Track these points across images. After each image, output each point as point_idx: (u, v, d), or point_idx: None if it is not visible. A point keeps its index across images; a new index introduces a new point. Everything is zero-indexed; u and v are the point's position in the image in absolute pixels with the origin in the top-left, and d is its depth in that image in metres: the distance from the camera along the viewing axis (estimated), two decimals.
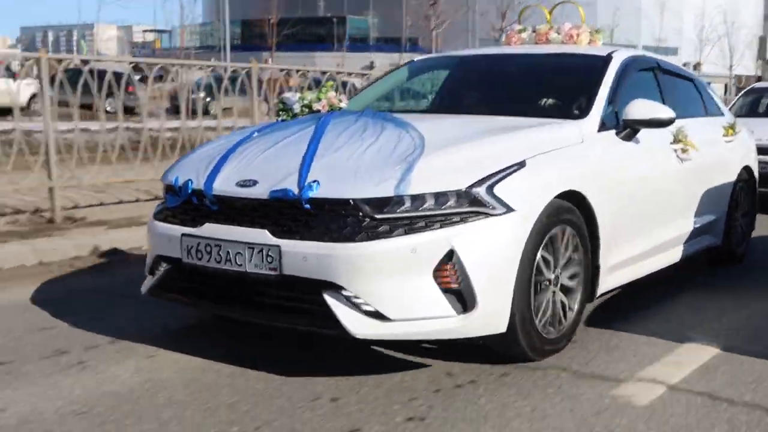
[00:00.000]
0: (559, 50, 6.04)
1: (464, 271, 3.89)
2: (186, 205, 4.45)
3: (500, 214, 3.98)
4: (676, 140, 5.63)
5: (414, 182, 3.91)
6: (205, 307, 4.54)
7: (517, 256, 4.02)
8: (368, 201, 3.89)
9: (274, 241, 4.00)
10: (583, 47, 6.08)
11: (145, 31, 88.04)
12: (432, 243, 3.86)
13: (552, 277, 4.35)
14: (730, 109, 11.59)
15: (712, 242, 6.50)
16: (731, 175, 6.72)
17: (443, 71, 6.31)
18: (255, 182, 4.19)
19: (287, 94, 5.54)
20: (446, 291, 3.91)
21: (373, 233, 3.85)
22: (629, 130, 5.09)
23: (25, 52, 10.20)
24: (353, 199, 3.90)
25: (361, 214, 3.89)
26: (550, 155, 4.42)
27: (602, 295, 4.96)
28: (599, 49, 5.86)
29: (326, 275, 3.88)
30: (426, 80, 6.43)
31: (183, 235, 4.34)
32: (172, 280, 4.51)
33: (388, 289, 3.86)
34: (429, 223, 3.89)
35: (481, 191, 3.97)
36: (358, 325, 3.86)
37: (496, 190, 4.00)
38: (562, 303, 4.46)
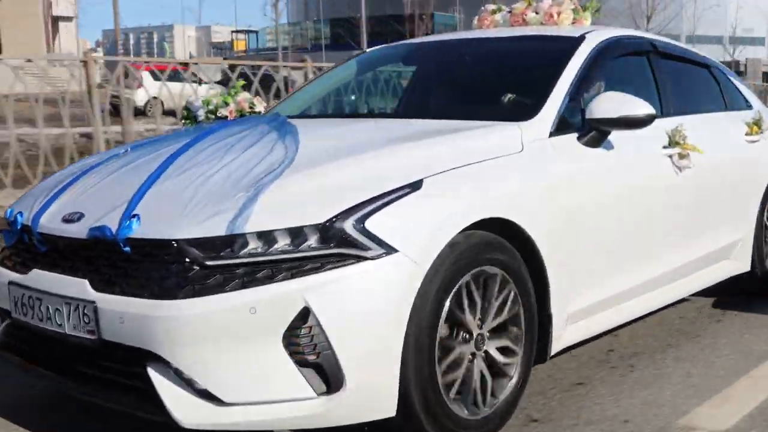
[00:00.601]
0: (526, 33, 4.93)
1: (324, 337, 2.86)
2: (19, 244, 3.52)
3: (375, 257, 2.93)
4: (671, 143, 4.46)
5: (255, 216, 2.91)
6: (35, 374, 3.57)
7: (403, 314, 2.97)
8: (196, 242, 2.91)
9: (92, 295, 3.05)
10: (558, 29, 4.95)
11: (233, 31, 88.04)
12: (278, 299, 2.85)
13: (474, 335, 3.29)
14: None
15: (736, 269, 5.27)
16: (759, 183, 5.44)
17: (395, 64, 5.23)
18: (81, 216, 3.24)
19: (191, 98, 4.56)
20: (302, 364, 2.90)
21: (200, 287, 2.87)
22: (595, 132, 3.96)
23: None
24: (176, 240, 2.92)
25: (187, 260, 2.91)
26: (464, 171, 3.34)
27: (568, 349, 3.88)
28: (573, 30, 4.71)
29: (145, 343, 2.91)
30: (382, 74, 5.35)
31: (10, 283, 3.43)
32: (11, 337, 3.58)
33: (221, 362, 2.88)
34: (275, 271, 2.88)
35: (346, 226, 2.93)
36: (187, 411, 2.90)
37: (370, 223, 2.95)
38: (496, 369, 3.40)
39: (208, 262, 2.88)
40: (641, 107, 3.91)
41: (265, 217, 2.91)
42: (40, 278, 3.28)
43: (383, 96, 4.80)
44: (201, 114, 4.51)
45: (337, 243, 2.90)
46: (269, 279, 2.85)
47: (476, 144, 3.55)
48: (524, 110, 3.92)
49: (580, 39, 4.41)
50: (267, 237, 2.89)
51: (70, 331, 3.13)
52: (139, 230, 3.00)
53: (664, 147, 4.44)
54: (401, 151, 3.38)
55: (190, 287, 2.86)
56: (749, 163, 5.34)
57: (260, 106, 4.67)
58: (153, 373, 2.91)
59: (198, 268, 2.88)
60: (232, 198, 2.99)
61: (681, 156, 4.46)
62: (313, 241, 2.90)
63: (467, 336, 3.26)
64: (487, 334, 3.36)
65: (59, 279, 3.19)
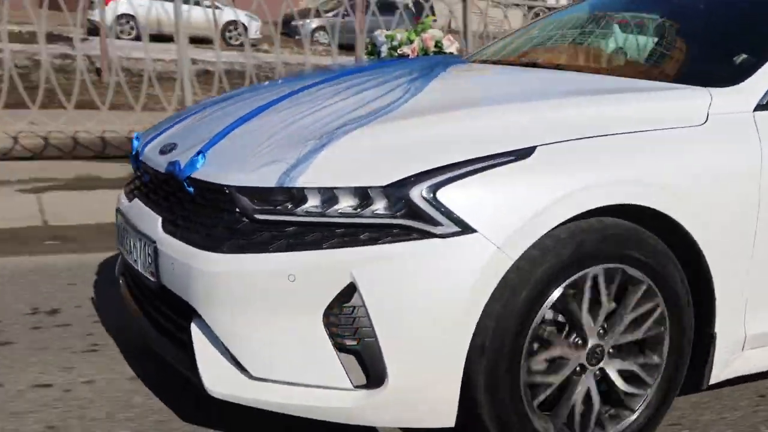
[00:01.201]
0: None
1: (368, 322, 2.42)
2: (136, 172, 3.38)
3: (445, 235, 2.41)
4: None
5: (313, 169, 2.49)
6: (130, 309, 3.40)
7: (475, 308, 2.44)
8: (246, 191, 2.56)
9: (158, 234, 2.82)
10: None
11: None
12: (322, 269, 2.44)
13: (589, 343, 2.69)
14: None
15: None
16: None
17: (634, 10, 4.41)
18: (173, 148, 3.01)
19: (377, 32, 4.17)
20: (341, 349, 2.47)
21: (245, 242, 2.52)
22: None
23: None
24: (228, 186, 2.59)
25: (237, 210, 2.56)
26: (604, 142, 2.65)
27: (738, 381, 3.13)
28: None
29: (188, 295, 2.64)
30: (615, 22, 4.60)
31: (117, 210, 3.31)
32: (123, 265, 3.48)
33: (255, 331, 2.52)
34: (325, 236, 2.45)
35: (413, 193, 2.42)
36: (215, 377, 2.61)
37: (444, 193, 2.42)
38: (614, 396, 2.79)
39: (258, 216, 2.52)
40: None
41: (325, 171, 2.48)
42: (133, 209, 3.11)
43: (600, 47, 4.09)
44: (384, 50, 4.12)
45: (403, 213, 2.42)
46: (316, 245, 2.43)
47: (637, 110, 2.84)
48: (728, 74, 3.10)
49: None
50: (322, 195, 2.47)
51: (140, 269, 2.94)
52: (202, 171, 2.70)
53: None
54: (529, 110, 2.78)
55: (235, 241, 2.52)
56: None
57: (452, 46, 4.18)
58: (195, 330, 2.64)
59: (247, 220, 2.53)
60: (299, 146, 2.59)
61: None
62: (376, 206, 2.44)
63: (579, 341, 2.65)
64: (610, 350, 2.72)
65: (144, 213, 3.01)
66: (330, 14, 10.81)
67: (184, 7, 7.25)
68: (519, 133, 2.58)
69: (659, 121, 2.79)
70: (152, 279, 2.82)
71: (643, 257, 2.66)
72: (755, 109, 2.96)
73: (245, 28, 15.67)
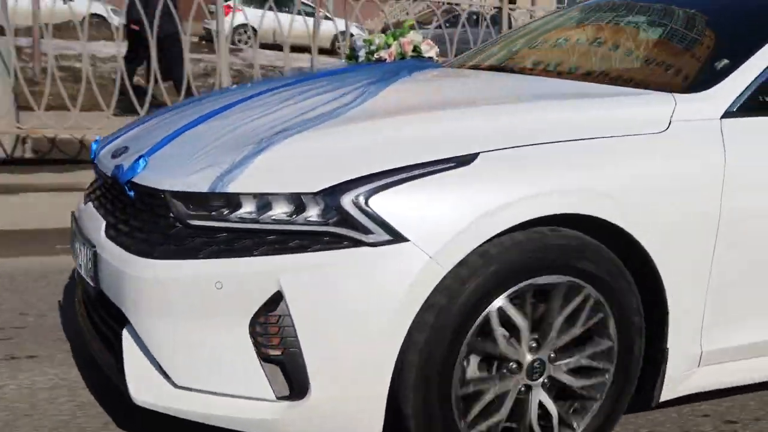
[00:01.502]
0: None
1: (293, 332, 2.34)
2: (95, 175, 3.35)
3: (376, 244, 2.34)
4: None
5: (247, 174, 2.43)
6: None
7: (402, 321, 2.37)
8: (179, 196, 2.50)
9: (98, 239, 2.77)
10: None
11: None
12: (248, 277, 2.38)
13: (525, 360, 2.60)
14: None
15: None
16: None
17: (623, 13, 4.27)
18: (124, 152, 2.97)
19: (355, 36, 4.11)
20: (266, 359, 2.40)
21: (176, 248, 2.47)
22: None
23: None
24: (163, 191, 2.53)
25: (171, 215, 2.50)
26: (554, 149, 2.56)
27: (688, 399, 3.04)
28: None
29: (120, 301, 2.59)
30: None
31: (71, 213, 3.27)
32: None
33: (181, 338, 2.46)
34: (255, 243, 2.38)
35: (344, 200, 2.36)
36: (142, 386, 2.56)
37: (377, 201, 2.36)
38: (569, 395, 2.71)
39: (191, 221, 2.47)
40: None
41: (259, 177, 2.42)
42: (85, 213, 3.08)
43: (574, 51, 3.99)
44: (362, 54, 4.04)
45: (335, 221, 2.36)
46: (245, 251, 2.38)
47: (593, 116, 2.74)
48: (696, 79, 3.02)
49: None
50: (256, 201, 2.41)
51: (83, 273, 2.89)
52: (142, 175, 2.66)
53: None
54: (477, 115, 2.71)
55: (167, 247, 2.47)
56: None
57: (431, 51, 4.09)
58: (125, 337, 2.58)
59: (180, 226, 2.48)
60: (237, 151, 2.52)
61: None
62: (309, 213, 2.38)
63: (518, 356, 2.58)
64: (552, 354, 2.64)
65: (93, 217, 2.97)
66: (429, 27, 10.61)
67: (288, 17, 6.96)
68: (463, 139, 2.50)
69: (616, 127, 2.70)
70: (92, 284, 2.78)
71: (591, 269, 2.57)
72: (723, 116, 2.86)
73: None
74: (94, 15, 9.57)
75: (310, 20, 7.77)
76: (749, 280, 2.89)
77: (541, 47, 4.07)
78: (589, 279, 2.58)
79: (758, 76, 2.95)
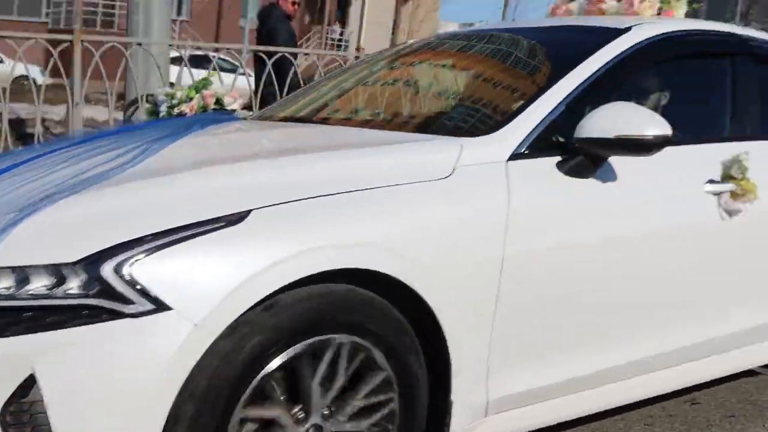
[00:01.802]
0: (557, 24, 3.93)
1: (46, 419, 2.15)
2: None
3: (137, 315, 2.17)
4: (725, 177, 3.34)
5: (5, 246, 2.22)
6: None
7: (169, 393, 2.20)
8: None
9: None
10: (604, 19, 3.88)
11: None
12: (1, 361, 2.15)
13: (304, 426, 2.46)
14: None
15: None
16: None
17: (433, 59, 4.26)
18: None
19: (158, 90, 3.94)
20: None
21: None
22: (582, 158, 2.93)
23: None
24: None
25: None
26: (331, 201, 2.47)
27: None
28: (620, 22, 3.57)
29: None
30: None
31: None
32: None
33: None
34: (11, 322, 2.17)
35: (105, 270, 2.19)
36: None
37: (139, 269, 2.20)
38: None
39: None
40: (650, 126, 2.86)
41: (18, 247, 2.22)
42: None
43: (368, 100, 3.96)
44: (164, 109, 3.88)
45: (95, 292, 2.18)
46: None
47: (373, 165, 2.67)
48: (485, 123, 3.01)
49: (620, 32, 3.36)
50: (11, 275, 2.20)
51: None
52: None
53: (711, 182, 3.32)
54: (251, 170, 2.58)
55: None
56: None
57: (235, 104, 3.96)
58: None
59: None
60: None
61: (734, 195, 3.31)
62: (69, 286, 2.20)
63: (301, 415, 2.45)
64: (331, 416, 2.51)
65: None
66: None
67: None
68: (234, 197, 2.39)
69: (397, 176, 2.63)
70: None
71: (371, 326, 2.48)
72: (510, 159, 2.83)
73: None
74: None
75: None
76: (534, 325, 2.86)
77: (346, 95, 4.01)
78: (369, 336, 2.48)
79: (547, 116, 2.96)
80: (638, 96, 3.32)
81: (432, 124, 3.28)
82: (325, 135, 3.27)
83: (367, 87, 3.96)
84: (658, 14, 3.98)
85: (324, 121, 3.65)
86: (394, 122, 3.42)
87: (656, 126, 2.86)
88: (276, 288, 2.29)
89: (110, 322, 2.16)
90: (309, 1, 37.35)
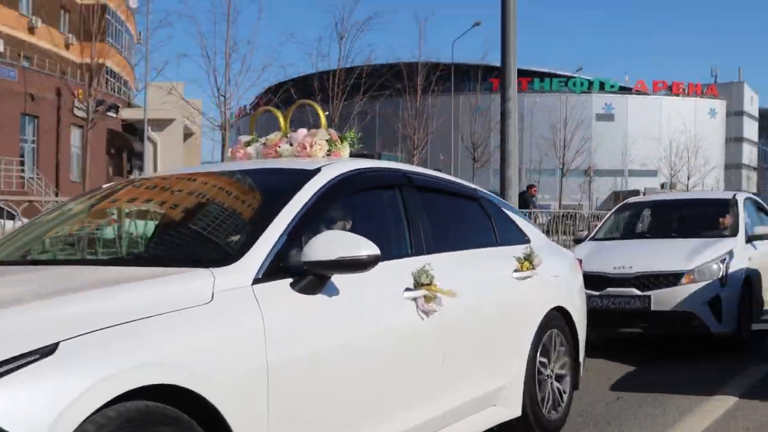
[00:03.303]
0: (257, 166, 4.44)
1: None
2: None
3: None
4: (416, 284, 3.94)
5: None
6: None
7: None
8: None
9: None
10: (296, 161, 4.46)
11: None
12: None
13: None
14: (597, 231, 10.15)
15: (504, 415, 4.76)
16: (529, 322, 4.98)
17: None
18: None
19: None
20: None
21: None
22: (312, 278, 3.46)
23: None
24: None
25: None
26: (124, 330, 2.74)
27: None
28: (311, 163, 4.23)
29: None
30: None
31: None
32: None
33: None
34: None
35: None
36: None
37: None
38: None
39: None
40: (363, 248, 3.46)
41: None
42: None
43: (104, 237, 4.11)
44: None
45: None
46: None
47: (148, 296, 2.97)
48: (227, 254, 3.42)
49: (314, 172, 3.97)
50: None
51: None
52: None
53: (408, 289, 3.93)
54: (37, 308, 2.76)
55: None
56: (517, 302, 4.91)
57: None
58: None
59: None
60: None
61: (427, 299, 3.95)
62: None
63: None
64: None
65: None
66: None
67: None
68: (41, 331, 2.56)
69: (174, 303, 2.95)
70: None
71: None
72: (254, 283, 3.27)
73: None
74: None
75: None
76: (300, 418, 3.29)
77: (64, 234, 4.11)
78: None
79: (274, 245, 3.45)
80: (327, 224, 3.90)
81: (171, 257, 3.58)
82: (83, 273, 3.42)
83: (85, 226, 4.10)
84: (328, 155, 4.61)
85: (47, 262, 3.73)
86: (136, 257, 3.62)
87: (367, 247, 3.45)
88: (98, 405, 2.51)
89: None
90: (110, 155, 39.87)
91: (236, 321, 3.11)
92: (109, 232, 4.16)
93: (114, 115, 41.15)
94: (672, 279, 8.33)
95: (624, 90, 77.31)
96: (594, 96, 72.89)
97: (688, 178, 63.68)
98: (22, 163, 35.51)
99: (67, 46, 42.23)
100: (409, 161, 28.22)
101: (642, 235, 10.34)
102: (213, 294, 3.09)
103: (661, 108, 76.68)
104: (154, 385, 2.69)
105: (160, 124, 40.85)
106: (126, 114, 42.84)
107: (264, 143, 4.75)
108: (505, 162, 11.63)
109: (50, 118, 38.13)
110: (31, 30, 40.54)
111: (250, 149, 4.78)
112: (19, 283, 3.35)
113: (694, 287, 8.27)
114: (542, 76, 71.64)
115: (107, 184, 4.65)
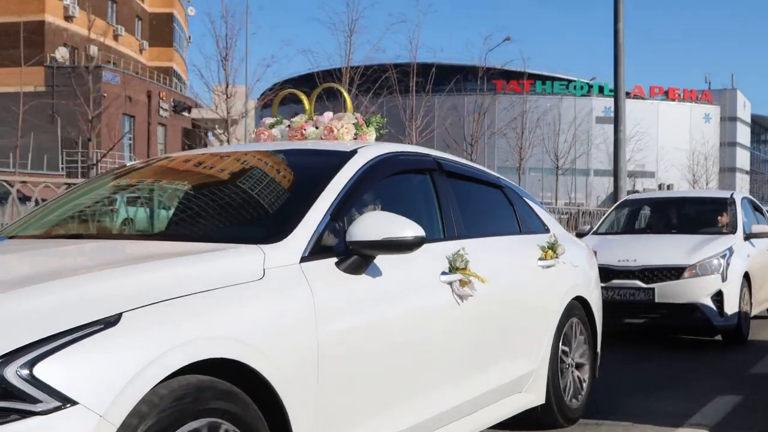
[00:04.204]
0: (294, 147, 4.41)
1: None
2: None
3: (47, 412, 2.27)
4: (452, 269, 3.97)
5: None
6: None
7: None
8: None
9: None
10: (332, 143, 4.43)
11: None
12: None
13: None
14: (600, 226, 10.29)
15: (529, 402, 4.78)
16: (552, 311, 5.00)
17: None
18: None
19: None
20: None
21: None
22: (356, 257, 3.44)
23: None
24: None
25: None
26: (181, 303, 2.73)
27: None
28: (346, 145, 4.22)
29: None
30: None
31: None
32: None
33: None
34: None
35: (8, 373, 2.26)
36: None
37: (42, 369, 2.30)
38: None
39: None
40: (408, 229, 3.44)
41: None
42: None
43: (155, 212, 4.16)
44: None
45: (1, 394, 2.23)
46: None
47: (203, 270, 2.96)
48: (274, 232, 3.37)
49: (351, 154, 3.95)
50: None
51: None
52: None
53: (444, 273, 3.95)
54: (100, 279, 2.75)
55: None
56: (542, 290, 4.93)
57: None
58: None
59: None
60: None
61: (462, 283, 3.97)
62: None
63: None
64: None
65: None
66: None
67: None
68: (104, 302, 2.55)
69: (228, 278, 2.95)
70: None
71: (224, 406, 2.71)
72: (301, 261, 3.25)
73: None
74: None
75: None
76: (346, 396, 3.28)
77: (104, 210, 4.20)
78: (225, 416, 2.71)
79: (319, 224, 3.42)
80: (360, 206, 3.84)
81: (218, 233, 3.59)
82: (138, 246, 3.45)
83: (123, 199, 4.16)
84: (355, 138, 4.57)
85: (97, 237, 3.79)
86: (182, 233, 3.68)
87: (413, 228, 3.44)
88: (160, 379, 2.50)
89: (21, 422, 2.23)
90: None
91: (288, 297, 3.09)
92: (149, 208, 4.20)
93: (187, 114, 45.11)
94: (675, 273, 8.51)
95: None
96: (594, 99, 72.84)
97: (707, 184, 64.32)
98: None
99: (140, 51, 47.77)
100: None
101: (643, 231, 10.55)
102: (264, 270, 3.07)
103: (658, 112, 76.75)
104: (212, 359, 2.68)
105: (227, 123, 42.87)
106: (195, 114, 44.90)
107: (289, 126, 4.70)
108: (618, 176, 16.26)
109: (143, 117, 43.13)
110: (116, 37, 45.71)
111: (275, 131, 4.73)
112: (72, 255, 3.36)
113: (696, 281, 8.46)
114: (544, 79, 71.57)
115: (140, 160, 4.65)
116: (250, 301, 2.95)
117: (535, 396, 4.80)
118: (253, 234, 3.39)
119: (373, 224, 3.39)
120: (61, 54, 40.68)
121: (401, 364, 3.62)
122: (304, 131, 4.60)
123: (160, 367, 2.50)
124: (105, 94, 35.89)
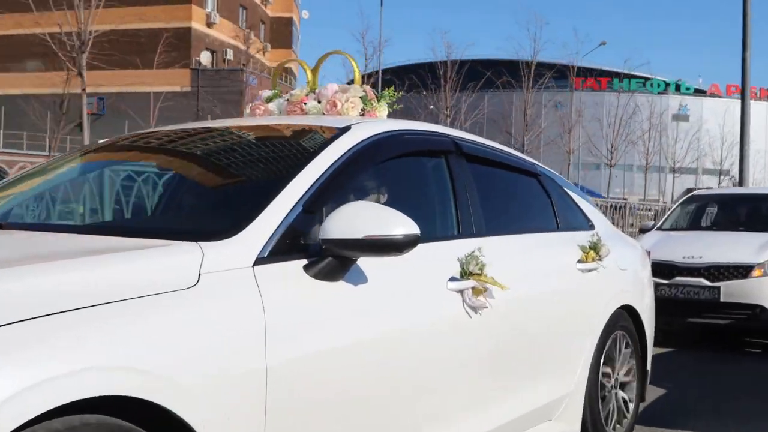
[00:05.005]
0: (274, 122, 3.56)
1: None
2: None
3: None
4: (464, 273, 3.12)
5: None
6: None
7: None
8: None
9: None
10: (321, 118, 3.58)
11: None
12: None
13: None
14: (664, 222, 9.66)
15: None
16: (593, 324, 4.07)
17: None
18: None
19: None
20: None
21: None
22: (331, 260, 2.59)
23: None
24: None
25: None
26: (71, 319, 1.94)
27: None
28: (339, 121, 3.34)
29: None
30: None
31: None
32: None
33: None
34: None
35: None
36: None
37: None
38: None
39: None
40: (398, 225, 2.58)
41: None
42: None
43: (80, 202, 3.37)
44: None
45: None
46: None
47: (115, 275, 2.15)
48: (223, 225, 2.55)
49: (343, 131, 3.10)
50: None
51: None
52: None
53: (453, 279, 3.10)
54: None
55: None
56: (580, 299, 4.00)
57: None
58: None
59: None
60: None
61: (476, 291, 3.11)
62: None
63: None
64: None
65: None
66: None
67: None
68: None
69: (146, 285, 2.15)
70: None
71: None
72: (255, 264, 2.43)
73: None
74: None
75: None
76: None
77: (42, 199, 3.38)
78: None
79: (286, 216, 2.61)
80: (357, 196, 3.06)
81: (155, 227, 2.80)
82: (36, 244, 2.65)
83: (60, 188, 3.37)
84: (362, 114, 3.71)
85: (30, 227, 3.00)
86: (114, 225, 2.87)
87: (404, 225, 2.59)
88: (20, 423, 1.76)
89: None
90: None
91: (228, 311, 2.28)
92: (91, 195, 3.42)
93: None
94: (742, 271, 7.84)
95: (698, 92, 74.98)
96: (670, 97, 70.74)
97: None
98: None
99: (264, 53, 50.38)
100: None
101: (709, 227, 9.85)
102: (199, 275, 2.27)
103: (734, 111, 74.29)
104: (107, 396, 1.92)
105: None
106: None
107: (288, 99, 3.87)
108: (743, 163, 16.10)
109: None
110: (245, 41, 47.60)
111: (272, 105, 3.90)
112: None
113: (765, 280, 7.78)
114: (621, 76, 69.74)
115: (103, 140, 3.88)
116: (169, 317, 2.14)
117: (567, 425, 3.89)
118: (193, 228, 2.61)
119: (353, 218, 2.54)
120: (206, 58, 44.56)
121: (388, 398, 2.79)
122: (304, 105, 3.77)
123: (28, 404, 1.76)
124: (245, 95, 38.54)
